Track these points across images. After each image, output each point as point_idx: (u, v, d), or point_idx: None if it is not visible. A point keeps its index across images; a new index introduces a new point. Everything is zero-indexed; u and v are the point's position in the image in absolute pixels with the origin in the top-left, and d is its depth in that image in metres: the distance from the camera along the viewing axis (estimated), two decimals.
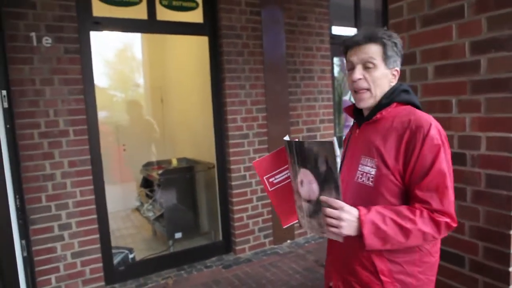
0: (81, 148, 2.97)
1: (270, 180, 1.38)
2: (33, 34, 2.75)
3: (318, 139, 1.10)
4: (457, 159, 1.88)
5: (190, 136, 4.83)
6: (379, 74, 1.23)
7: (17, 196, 2.58)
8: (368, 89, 1.25)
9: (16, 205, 2.57)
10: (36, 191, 2.79)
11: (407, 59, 2.10)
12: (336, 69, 5.00)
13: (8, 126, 2.55)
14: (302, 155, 1.17)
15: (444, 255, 1.97)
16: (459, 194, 1.88)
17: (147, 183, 4.71)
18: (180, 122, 5.29)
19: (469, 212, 1.85)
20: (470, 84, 1.81)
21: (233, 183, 3.63)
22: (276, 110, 3.81)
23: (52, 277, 2.90)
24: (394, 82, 1.28)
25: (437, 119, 1.92)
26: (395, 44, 1.24)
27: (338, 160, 1.07)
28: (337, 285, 1.33)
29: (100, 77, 5.44)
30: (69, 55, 2.89)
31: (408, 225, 1.10)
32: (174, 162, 4.56)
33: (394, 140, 1.18)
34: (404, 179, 1.17)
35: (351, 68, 1.27)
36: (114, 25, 3.22)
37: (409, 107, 1.24)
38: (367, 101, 1.27)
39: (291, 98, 3.94)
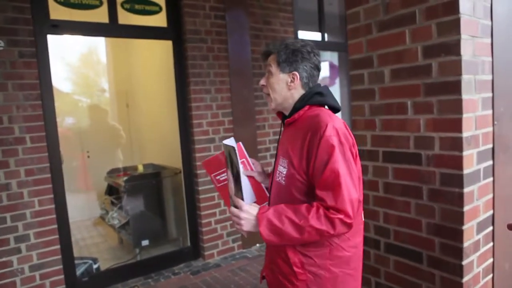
0: (39, 155, 2.85)
1: (217, 177, 1.55)
2: None
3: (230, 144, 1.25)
4: (413, 159, 1.95)
5: (157, 141, 4.75)
6: (274, 80, 1.38)
7: None
8: (268, 94, 1.41)
9: None
10: None
11: (364, 63, 2.16)
12: None
13: None
14: (229, 158, 1.33)
15: (402, 251, 2.05)
16: (416, 192, 1.95)
17: (112, 191, 4.58)
18: (146, 127, 5.19)
19: (425, 209, 1.92)
20: (423, 86, 1.88)
21: (200, 188, 3.59)
22: (242, 114, 3.81)
23: None
24: (293, 85, 1.36)
25: (395, 121, 2.02)
26: (293, 51, 1.35)
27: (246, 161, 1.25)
28: (267, 274, 1.48)
29: (63, 82, 5.25)
30: (24, 59, 2.77)
31: (301, 222, 1.19)
32: (140, 168, 4.46)
33: (299, 141, 1.28)
34: (308, 178, 1.26)
35: None
36: (74, 28, 3.12)
37: (319, 109, 1.34)
38: (270, 104, 1.43)
39: (257, 102, 3.96)
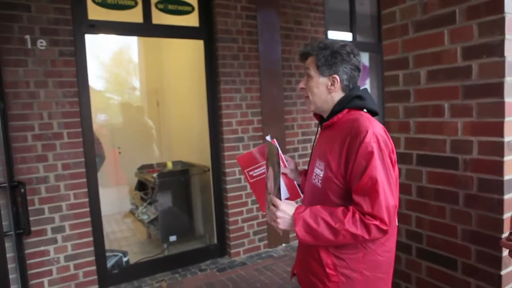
0: (75, 150, 2.96)
1: (250, 173, 1.60)
2: (27, 36, 2.74)
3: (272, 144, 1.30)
4: (449, 163, 1.89)
5: (186, 139, 4.83)
6: (314, 83, 1.36)
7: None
8: (308, 97, 1.40)
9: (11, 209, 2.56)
10: (29, 194, 2.77)
11: (400, 64, 2.12)
12: None
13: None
14: (271, 156, 1.36)
15: (435, 257, 1.99)
16: (451, 197, 1.89)
17: (142, 186, 4.70)
18: (176, 125, 5.29)
19: (461, 215, 1.86)
20: (462, 88, 1.82)
21: (228, 186, 3.63)
22: (271, 114, 3.82)
23: (45, 280, 2.88)
24: (333, 88, 1.35)
25: (430, 123, 1.97)
26: (332, 53, 1.32)
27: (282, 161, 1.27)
28: (299, 272, 1.50)
29: (96, 80, 5.44)
30: (64, 57, 2.88)
31: (337, 225, 1.20)
32: (169, 165, 4.55)
33: (338, 145, 1.28)
34: (346, 182, 1.26)
35: None
36: (110, 28, 3.23)
37: (358, 113, 1.31)
38: (309, 106, 1.43)
39: (286, 102, 3.96)
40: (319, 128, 1.49)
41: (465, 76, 1.80)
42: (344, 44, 1.35)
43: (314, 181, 1.36)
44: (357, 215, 1.19)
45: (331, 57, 1.32)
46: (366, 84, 5.36)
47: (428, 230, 2.03)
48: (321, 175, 1.31)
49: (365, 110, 1.35)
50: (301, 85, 1.42)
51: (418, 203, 2.08)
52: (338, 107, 1.34)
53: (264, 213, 1.58)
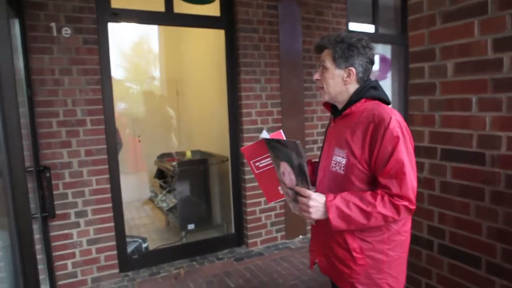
0: (98, 137, 3.02)
1: (256, 164, 1.60)
2: (53, 24, 2.79)
3: (288, 139, 1.30)
4: (475, 158, 1.85)
5: (205, 128, 4.86)
6: (329, 75, 1.41)
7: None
8: (322, 88, 1.44)
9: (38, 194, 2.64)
10: (53, 179, 2.85)
11: (426, 56, 2.06)
12: None
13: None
14: (280, 150, 1.38)
15: (458, 254, 1.96)
16: (477, 194, 1.85)
17: (161, 174, 4.77)
18: (195, 114, 5.33)
19: (487, 212, 1.81)
20: (491, 82, 1.76)
21: (246, 177, 3.64)
22: (291, 105, 3.79)
23: (69, 262, 2.97)
24: (349, 80, 1.39)
25: (456, 117, 1.92)
26: (349, 46, 1.37)
27: (305, 156, 1.27)
28: (321, 260, 1.52)
29: (117, 69, 5.51)
30: (88, 45, 2.93)
31: (369, 208, 1.26)
32: (188, 154, 4.60)
33: (360, 133, 1.33)
34: (370, 167, 1.32)
35: None
36: (132, 16, 3.25)
37: (376, 103, 1.38)
38: (324, 96, 1.46)
39: (306, 94, 3.92)
40: (332, 118, 1.53)
41: (495, 69, 1.74)
42: (360, 37, 1.39)
43: (335, 168, 1.40)
44: (386, 197, 1.26)
45: (348, 50, 1.37)
46: (388, 77, 5.26)
47: (451, 227, 1.99)
48: (344, 162, 1.36)
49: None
50: (316, 76, 1.46)
51: (441, 198, 2.04)
52: (356, 97, 1.39)
53: (269, 203, 1.63)
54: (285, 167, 1.39)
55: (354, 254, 1.36)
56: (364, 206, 1.26)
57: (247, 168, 3.63)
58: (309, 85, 3.93)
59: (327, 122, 4.29)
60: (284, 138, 1.52)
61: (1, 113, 1.63)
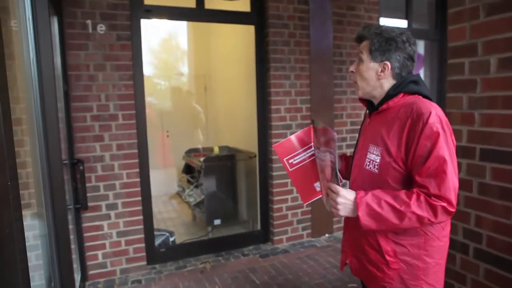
0: (129, 132, 3.08)
1: (290, 161, 1.52)
2: (89, 21, 2.86)
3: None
4: None
5: (232, 124, 4.87)
6: (364, 68, 1.34)
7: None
8: (356, 82, 1.39)
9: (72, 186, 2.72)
10: (86, 172, 2.93)
11: (466, 51, 1.97)
12: None
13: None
14: (322, 142, 1.34)
15: (496, 260, 1.87)
16: None
17: (189, 169, 4.82)
18: (223, 110, 5.35)
19: None
20: None
21: (274, 173, 3.62)
22: (321, 102, 3.74)
23: (99, 253, 3.05)
24: (383, 75, 1.32)
25: (498, 116, 1.82)
26: (387, 39, 1.29)
27: (337, 152, 1.22)
28: (352, 261, 1.46)
29: (146, 65, 5.60)
30: (121, 42, 2.99)
31: (402, 208, 1.17)
32: (216, 150, 4.63)
33: (397, 129, 1.25)
34: (407, 166, 1.24)
35: None
36: (164, 13, 3.29)
37: (415, 97, 1.30)
38: (357, 92, 1.41)
39: (336, 90, 3.85)
40: (368, 114, 1.47)
41: None
42: (401, 32, 1.32)
43: (369, 167, 1.33)
44: (422, 197, 1.18)
45: (386, 44, 1.30)
46: (420, 74, 5.09)
47: (489, 230, 1.90)
48: (378, 161, 1.29)
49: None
50: (352, 68, 1.40)
51: (479, 200, 1.95)
52: (394, 91, 1.32)
53: (305, 203, 1.57)
54: (325, 158, 1.34)
55: (387, 257, 1.29)
56: (397, 205, 1.18)
57: (274, 165, 3.62)
58: (339, 82, 3.86)
59: (357, 119, 4.22)
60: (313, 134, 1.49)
61: (41, 108, 1.68)
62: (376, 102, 1.39)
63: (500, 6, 1.80)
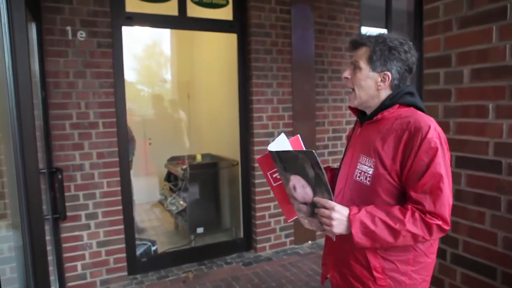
0: (110, 140, 3.04)
1: (274, 175, 1.40)
2: (68, 28, 2.83)
3: (300, 149, 1.15)
4: (492, 166, 1.81)
5: (215, 132, 4.86)
6: (362, 76, 1.28)
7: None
8: (353, 89, 1.31)
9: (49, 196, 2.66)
10: (65, 181, 2.87)
11: (441, 62, 2.04)
12: None
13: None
14: (290, 162, 1.22)
15: (472, 264, 1.92)
16: (492, 203, 1.81)
17: (171, 178, 4.78)
18: (206, 118, 5.34)
19: (503, 222, 1.77)
20: (509, 88, 1.73)
21: (256, 181, 3.63)
22: (303, 109, 3.78)
23: (78, 264, 2.99)
24: (383, 85, 1.27)
25: (472, 124, 1.88)
26: (390, 48, 1.24)
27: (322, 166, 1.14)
28: (334, 275, 1.39)
29: (129, 72, 5.55)
30: (102, 49, 2.96)
31: (397, 226, 1.13)
32: (199, 158, 4.60)
33: (392, 141, 1.21)
34: (401, 180, 1.20)
35: None
36: (146, 20, 3.28)
37: (411, 109, 1.26)
38: (353, 101, 1.33)
39: (318, 98, 3.91)
40: (358, 123, 1.41)
41: None
42: (403, 41, 1.27)
43: (359, 178, 1.26)
44: (416, 214, 1.13)
45: (388, 53, 1.24)
46: None
47: (465, 236, 1.95)
48: (371, 172, 1.23)
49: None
50: (346, 74, 1.32)
51: (455, 206, 1.98)
52: (389, 102, 1.27)
53: (289, 220, 1.44)
54: (297, 180, 1.23)
55: (375, 273, 1.24)
56: (391, 223, 1.13)
57: (257, 173, 3.62)
58: (321, 90, 3.91)
59: (339, 127, 4.26)
60: (302, 144, 1.38)
61: (17, 116, 1.64)
62: (369, 111, 1.34)
63: (472, 20, 1.87)
